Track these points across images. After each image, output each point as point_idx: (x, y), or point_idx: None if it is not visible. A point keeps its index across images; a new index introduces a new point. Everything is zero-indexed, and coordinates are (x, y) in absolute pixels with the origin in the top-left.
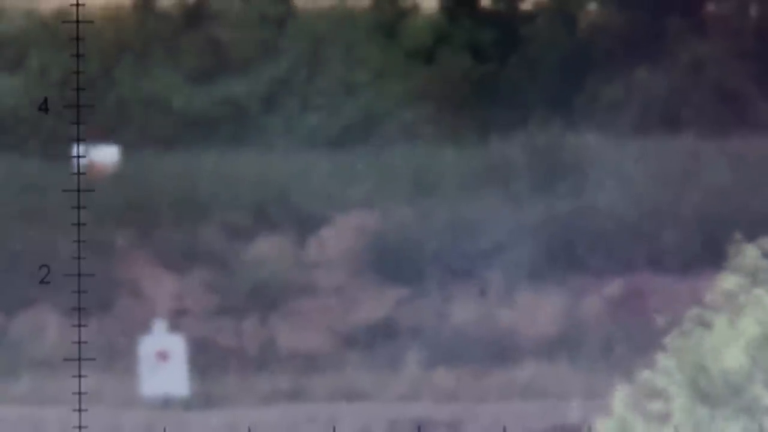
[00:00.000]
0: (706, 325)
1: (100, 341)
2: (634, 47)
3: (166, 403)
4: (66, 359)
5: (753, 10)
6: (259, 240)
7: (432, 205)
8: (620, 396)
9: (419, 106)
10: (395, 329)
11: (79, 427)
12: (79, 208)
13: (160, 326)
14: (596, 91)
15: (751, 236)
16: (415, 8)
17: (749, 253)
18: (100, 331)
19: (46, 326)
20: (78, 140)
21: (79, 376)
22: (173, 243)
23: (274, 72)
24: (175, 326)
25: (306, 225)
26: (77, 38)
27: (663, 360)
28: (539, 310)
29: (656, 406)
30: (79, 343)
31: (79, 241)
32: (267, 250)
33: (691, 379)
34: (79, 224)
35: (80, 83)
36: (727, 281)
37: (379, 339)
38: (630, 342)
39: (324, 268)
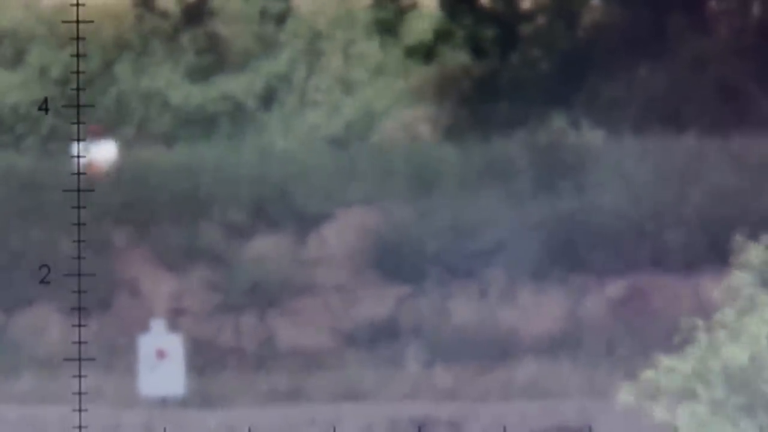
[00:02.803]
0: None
1: (99, 340)
2: (635, 45)
3: (166, 403)
4: (66, 359)
5: (755, 8)
6: (258, 238)
7: (432, 204)
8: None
9: (419, 103)
10: (396, 328)
11: (80, 427)
12: (79, 207)
13: (158, 325)
14: (597, 89)
15: (754, 235)
16: (415, 5)
17: (755, 252)
18: (100, 330)
19: (46, 326)
20: (78, 139)
21: (80, 376)
22: (173, 241)
23: (274, 68)
24: (174, 325)
25: (306, 223)
26: (77, 38)
27: (666, 360)
28: (541, 309)
29: (659, 407)
30: (79, 342)
31: (79, 241)
32: (266, 248)
33: (695, 378)
34: (79, 224)
35: (80, 81)
36: (735, 279)
37: (379, 337)
38: (632, 341)
39: (324, 266)
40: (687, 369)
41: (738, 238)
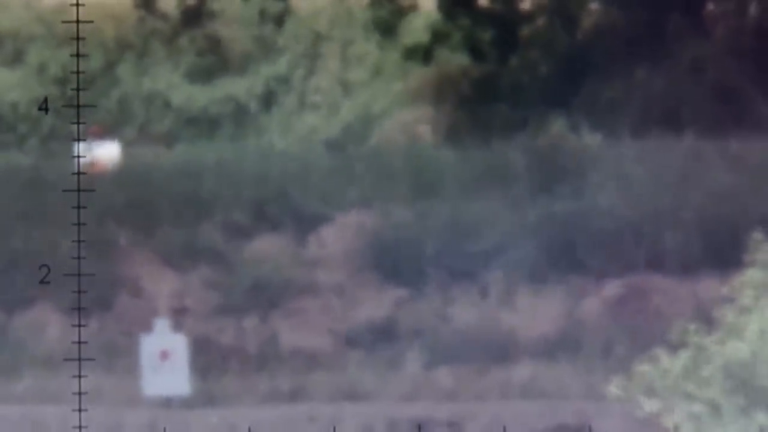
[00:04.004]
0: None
1: (100, 341)
2: (633, 47)
3: (168, 403)
4: (66, 359)
5: (753, 10)
6: (258, 238)
7: (431, 205)
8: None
9: (417, 105)
10: (395, 329)
11: (80, 427)
12: (79, 207)
13: (162, 325)
14: (596, 91)
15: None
16: (414, 7)
17: None
18: (101, 330)
19: (47, 326)
20: (78, 140)
21: (79, 376)
22: (174, 241)
23: (273, 70)
24: (175, 325)
25: (305, 224)
26: (77, 38)
27: (661, 359)
28: (539, 311)
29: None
30: (79, 342)
31: (79, 241)
32: (267, 248)
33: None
34: (79, 224)
35: (80, 82)
36: (749, 277)
37: (379, 339)
38: (630, 342)
39: (324, 267)
40: (679, 369)
41: (755, 236)
